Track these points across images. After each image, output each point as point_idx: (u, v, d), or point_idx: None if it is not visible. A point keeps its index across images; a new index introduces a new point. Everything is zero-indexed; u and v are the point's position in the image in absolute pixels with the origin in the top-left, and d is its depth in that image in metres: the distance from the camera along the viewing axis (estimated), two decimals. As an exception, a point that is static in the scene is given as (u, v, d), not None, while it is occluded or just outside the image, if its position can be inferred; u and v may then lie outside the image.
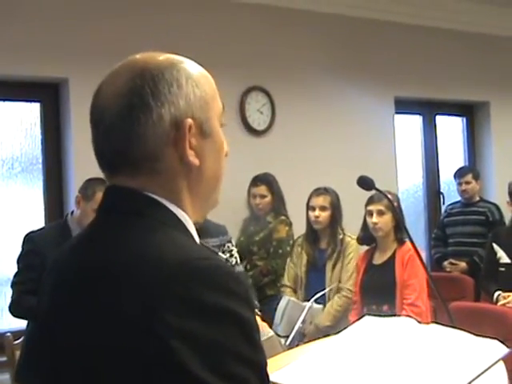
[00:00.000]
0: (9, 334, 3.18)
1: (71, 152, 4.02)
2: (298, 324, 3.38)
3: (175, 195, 0.96)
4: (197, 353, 0.80)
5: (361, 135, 5.18)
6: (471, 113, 6.15)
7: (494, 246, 4.29)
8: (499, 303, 4.00)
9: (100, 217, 0.99)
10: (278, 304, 3.70)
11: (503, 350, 1.50)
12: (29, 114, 4.12)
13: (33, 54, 3.86)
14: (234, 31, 4.61)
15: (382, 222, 3.50)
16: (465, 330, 1.64)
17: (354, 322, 1.92)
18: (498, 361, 1.47)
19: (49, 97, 4.14)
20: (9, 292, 3.15)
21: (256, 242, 4.29)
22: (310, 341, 2.85)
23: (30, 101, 4.12)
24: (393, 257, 3.51)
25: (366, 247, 3.74)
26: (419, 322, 1.76)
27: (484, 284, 4.39)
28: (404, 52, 5.40)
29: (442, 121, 5.99)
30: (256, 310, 2.92)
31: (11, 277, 3.17)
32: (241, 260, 3.66)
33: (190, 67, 0.99)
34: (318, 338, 2.36)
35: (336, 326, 3.40)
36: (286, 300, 3.67)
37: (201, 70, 1.01)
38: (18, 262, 3.14)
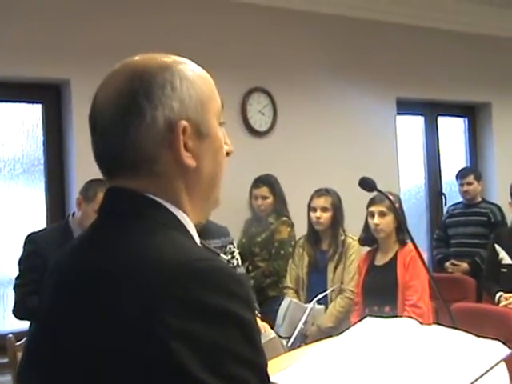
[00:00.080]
0: (11, 335, 3.15)
1: (73, 153, 4.02)
2: (300, 325, 3.38)
3: (174, 196, 0.96)
4: (197, 354, 0.80)
5: (362, 136, 5.17)
6: (473, 114, 6.14)
7: (496, 246, 4.29)
8: (501, 304, 3.99)
9: (101, 218, 0.99)
10: (279, 305, 3.70)
11: (505, 350, 1.50)
12: (31, 115, 4.12)
13: (34, 54, 3.86)
14: (235, 32, 4.60)
15: (384, 223, 3.50)
16: (466, 331, 1.64)
17: (355, 323, 1.92)
18: (500, 362, 1.47)
19: (50, 98, 4.13)
20: (10, 293, 3.15)
21: (258, 244, 4.29)
22: (311, 342, 2.86)
23: (32, 102, 4.12)
24: (394, 258, 3.51)
25: (367, 248, 3.74)
26: (421, 323, 1.76)
27: (486, 285, 4.38)
28: (404, 53, 5.39)
29: (443, 122, 5.98)
30: (256, 312, 2.92)
31: (13, 278, 3.17)
32: (242, 261, 3.67)
33: (186, 69, 0.98)
34: (320, 339, 2.35)
35: (338, 327, 3.41)
36: (288, 301, 3.66)
37: (197, 70, 1.01)
38: (20, 263, 3.14)
